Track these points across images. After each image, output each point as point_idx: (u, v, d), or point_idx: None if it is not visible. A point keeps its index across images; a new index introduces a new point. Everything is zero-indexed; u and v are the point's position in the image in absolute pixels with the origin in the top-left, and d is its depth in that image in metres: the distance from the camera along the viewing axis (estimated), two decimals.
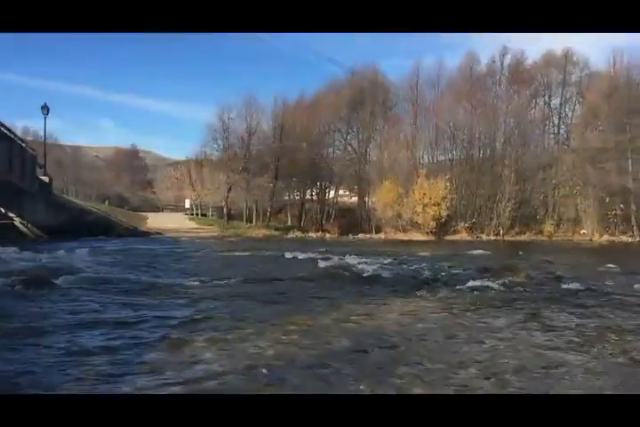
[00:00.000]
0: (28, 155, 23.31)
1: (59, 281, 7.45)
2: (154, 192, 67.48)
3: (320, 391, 3.05)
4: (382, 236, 33.79)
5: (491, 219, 35.45)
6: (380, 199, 35.05)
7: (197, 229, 32.79)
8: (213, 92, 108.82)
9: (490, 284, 7.83)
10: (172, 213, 50.08)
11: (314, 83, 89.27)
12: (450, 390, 3.12)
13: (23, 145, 22.93)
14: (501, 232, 34.93)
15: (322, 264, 10.81)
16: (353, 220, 38.14)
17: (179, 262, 12.08)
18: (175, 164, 62.92)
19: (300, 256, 13.81)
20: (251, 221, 37.90)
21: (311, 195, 41.20)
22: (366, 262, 11.04)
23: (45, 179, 25.52)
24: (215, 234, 29.87)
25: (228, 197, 36.94)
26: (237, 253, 15.39)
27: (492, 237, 34.22)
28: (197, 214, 47.04)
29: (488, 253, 17.55)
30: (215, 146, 38.19)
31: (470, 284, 7.84)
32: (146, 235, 26.96)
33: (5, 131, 20.05)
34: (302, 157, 38.01)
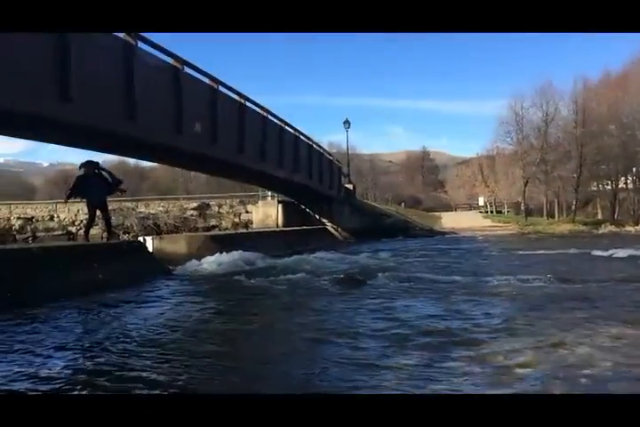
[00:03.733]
0: (334, 166, 26.22)
1: (370, 280, 7.96)
2: (445, 192, 68.61)
3: None
4: None
5: None
6: None
7: (493, 226, 31.76)
8: (497, 86, 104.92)
9: None
10: (465, 212, 49.95)
11: (619, 56, 77.68)
12: None
13: (331, 158, 25.88)
14: None
15: None
16: None
17: (477, 262, 11.73)
18: (466, 161, 62.70)
19: (617, 254, 11.99)
20: (552, 217, 34.91)
21: (625, 183, 35.63)
22: None
23: (350, 186, 28.31)
24: (513, 232, 28.42)
25: (524, 191, 34.75)
26: (539, 252, 14.20)
27: None
28: (492, 212, 45.81)
29: None
30: (508, 139, 36.48)
31: None
32: (441, 234, 27.36)
33: (317, 147, 22.94)
34: (611, 142, 33.19)
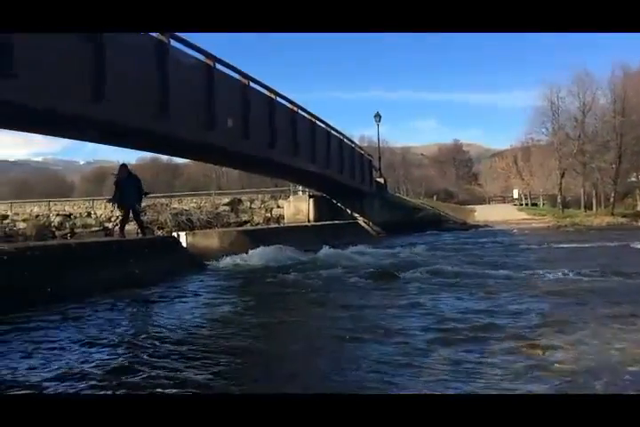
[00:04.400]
0: (365, 160, 26.06)
1: (402, 275, 7.90)
2: (479, 184, 67.47)
3: None
4: None
5: None
6: None
7: (528, 219, 31.06)
8: (532, 75, 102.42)
9: None
10: (500, 205, 49.03)
11: None
12: None
13: (362, 152, 25.73)
14: None
15: None
16: None
17: (513, 255, 11.49)
18: (500, 153, 61.56)
19: None
20: (590, 209, 33.94)
21: None
22: None
23: (381, 180, 28.10)
24: (549, 224, 27.74)
25: (561, 183, 33.86)
26: (578, 245, 13.86)
27: None
28: (527, 204, 44.87)
29: None
30: (543, 130, 35.51)
31: None
32: (474, 228, 26.93)
33: (348, 142, 22.83)
34: None
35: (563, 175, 33.37)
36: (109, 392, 3.03)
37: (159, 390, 3.02)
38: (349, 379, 3.23)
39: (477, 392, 2.85)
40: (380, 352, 3.75)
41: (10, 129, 9.56)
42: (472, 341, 3.97)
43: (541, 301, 5.61)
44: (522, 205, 44.90)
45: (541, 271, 7.75)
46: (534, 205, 43.59)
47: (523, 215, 33.57)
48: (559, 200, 34.98)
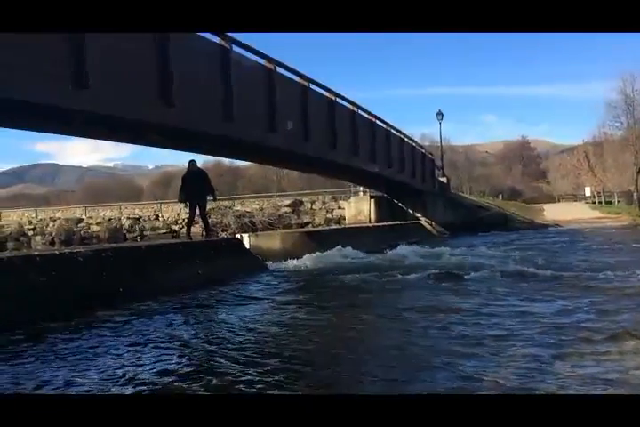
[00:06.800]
0: (427, 160, 25.58)
1: (469, 276, 7.68)
2: (547, 182, 64.86)
3: None
4: None
5: None
6: None
7: (602, 218, 29.47)
8: (604, 67, 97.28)
9: None
10: (570, 203, 46.97)
11: None
12: None
13: (423, 151, 25.28)
14: None
15: None
16: None
17: (590, 256, 10.88)
18: (570, 149, 58.88)
19: None
20: None
21: None
22: None
23: (444, 180, 27.49)
24: (625, 223, 26.21)
25: (637, 179, 31.99)
26: None
27: None
28: (600, 202, 42.73)
29: None
30: (617, 124, 33.76)
31: None
32: (543, 227, 25.86)
33: (409, 141, 22.49)
34: None
35: (639, 171, 31.50)
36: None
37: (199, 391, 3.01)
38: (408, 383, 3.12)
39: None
40: (446, 352, 3.60)
41: (86, 137, 10.07)
42: (541, 344, 3.82)
43: (619, 303, 5.26)
44: (594, 203, 42.78)
45: (625, 273, 7.30)
46: (608, 203, 41.42)
47: (596, 214, 31.94)
48: (635, 197, 33.04)
